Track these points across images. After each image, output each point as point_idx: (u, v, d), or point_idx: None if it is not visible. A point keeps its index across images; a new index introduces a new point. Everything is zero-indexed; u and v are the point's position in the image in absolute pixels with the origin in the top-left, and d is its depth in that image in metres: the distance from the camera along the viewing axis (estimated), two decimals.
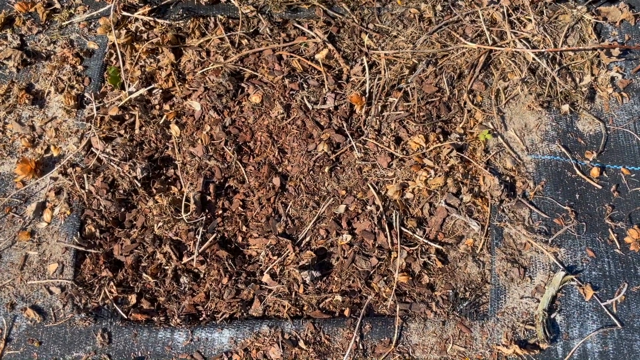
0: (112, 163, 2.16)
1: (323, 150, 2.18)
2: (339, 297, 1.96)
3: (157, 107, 2.33)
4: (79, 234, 2.06)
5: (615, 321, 1.87)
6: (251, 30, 2.42)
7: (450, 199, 2.07)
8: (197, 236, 2.05)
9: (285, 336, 1.90)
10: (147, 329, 1.93)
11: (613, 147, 2.13)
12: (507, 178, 2.10)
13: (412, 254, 2.02)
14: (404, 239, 2.04)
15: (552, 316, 1.89)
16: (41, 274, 2.02)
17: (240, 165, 2.21)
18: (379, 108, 2.24)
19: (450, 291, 1.96)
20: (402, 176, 2.13)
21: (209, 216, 2.12)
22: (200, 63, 2.38)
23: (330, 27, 2.41)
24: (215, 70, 2.33)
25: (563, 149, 2.12)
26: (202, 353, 1.90)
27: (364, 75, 2.29)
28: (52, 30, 2.48)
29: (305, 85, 2.30)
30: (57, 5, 2.52)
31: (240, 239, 2.11)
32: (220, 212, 2.15)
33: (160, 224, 2.08)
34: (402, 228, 2.05)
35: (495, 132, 2.17)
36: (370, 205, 2.09)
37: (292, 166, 2.21)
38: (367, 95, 2.25)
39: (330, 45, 2.35)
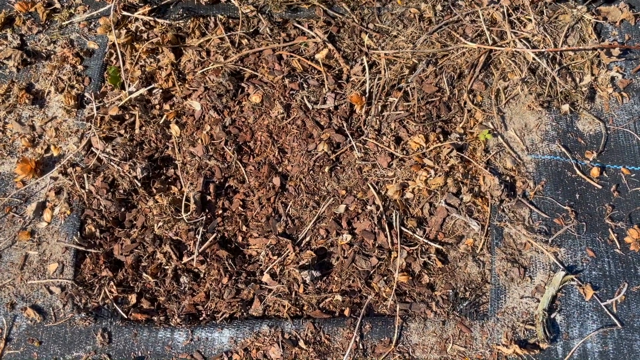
0: (112, 163, 2.16)
1: (323, 150, 2.18)
2: (339, 297, 1.96)
3: (157, 106, 2.33)
4: (79, 234, 2.06)
5: (615, 321, 1.87)
6: (251, 30, 2.42)
7: (450, 199, 2.07)
8: (197, 236, 2.05)
9: (285, 336, 1.91)
10: (147, 329, 1.93)
11: (613, 147, 2.13)
12: (507, 178, 2.10)
13: (412, 254, 2.02)
14: (404, 239, 2.04)
15: (552, 316, 1.89)
16: (41, 273, 2.02)
17: (240, 165, 2.21)
18: (379, 108, 2.24)
19: (450, 291, 1.96)
20: (402, 176, 2.13)
21: (209, 216, 2.12)
22: (201, 63, 2.38)
23: (330, 27, 2.41)
24: (215, 70, 2.33)
25: (563, 149, 2.12)
26: (202, 353, 1.90)
27: (364, 75, 2.29)
28: (52, 30, 2.48)
29: (305, 85, 2.30)
30: (57, 5, 2.52)
31: (240, 238, 2.11)
32: (220, 211, 2.15)
33: (160, 223, 2.08)
34: (402, 228, 2.06)
35: (495, 132, 2.17)
36: (371, 205, 2.09)
37: (292, 166, 2.21)
38: (367, 95, 2.26)
39: (330, 45, 2.35)
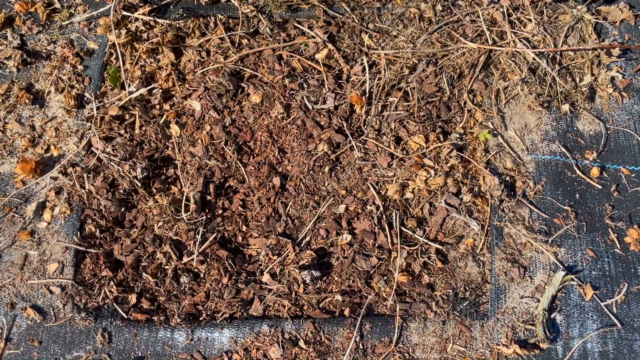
0: (112, 163, 2.16)
1: (323, 150, 2.18)
2: (339, 297, 1.96)
3: (157, 106, 2.33)
4: (79, 234, 2.06)
5: (615, 321, 1.87)
6: (251, 30, 2.42)
7: (450, 199, 2.07)
8: (197, 236, 2.05)
9: (286, 336, 1.91)
10: (147, 329, 1.93)
11: (613, 147, 2.13)
12: (507, 178, 2.10)
13: (412, 254, 2.02)
14: (404, 239, 2.04)
15: (552, 316, 1.89)
16: (41, 273, 2.02)
17: (241, 165, 2.21)
18: (379, 108, 2.24)
19: (451, 291, 1.96)
20: (402, 176, 2.13)
21: (209, 216, 2.12)
22: (201, 63, 2.38)
23: (331, 27, 2.41)
24: (215, 70, 2.33)
25: (563, 149, 2.12)
26: (202, 353, 1.90)
27: (364, 75, 2.29)
28: (52, 30, 2.48)
29: (305, 85, 2.30)
30: (57, 5, 2.52)
31: (240, 238, 2.11)
32: (220, 211, 2.15)
33: (160, 223, 2.08)
34: (402, 228, 2.06)
35: (495, 132, 2.17)
36: (370, 205, 2.09)
37: (292, 166, 2.21)
38: (367, 95, 2.26)
39: (330, 45, 2.35)
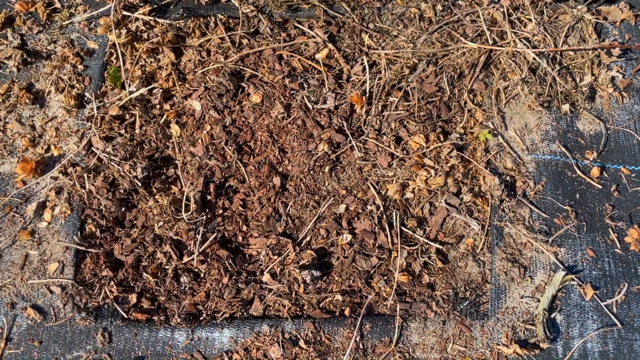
0: (112, 162, 2.16)
1: (323, 149, 2.18)
2: (339, 297, 1.96)
3: (158, 106, 2.33)
4: (79, 234, 2.06)
5: (616, 321, 1.87)
6: (251, 30, 2.42)
7: (451, 199, 2.07)
8: (197, 236, 2.05)
9: (286, 336, 1.91)
10: (148, 329, 1.94)
11: (613, 147, 2.13)
12: (508, 178, 2.10)
13: (412, 254, 2.02)
14: (404, 239, 2.04)
15: (552, 316, 1.89)
16: (42, 273, 2.02)
17: (241, 164, 2.21)
18: (379, 108, 2.24)
19: (451, 291, 1.96)
20: (403, 176, 2.13)
21: (209, 216, 2.12)
22: (201, 63, 2.38)
23: (331, 27, 2.41)
24: (215, 69, 2.33)
25: (563, 149, 2.12)
26: (203, 352, 1.90)
27: (364, 75, 2.29)
28: (52, 30, 2.48)
29: (305, 85, 2.30)
30: (58, 5, 2.52)
31: (240, 238, 2.11)
32: (220, 211, 2.15)
33: (160, 223, 2.08)
34: (403, 228, 2.06)
35: (495, 132, 2.17)
36: (371, 205, 2.09)
37: (292, 166, 2.21)
38: (367, 95, 2.26)
39: (330, 45, 2.35)
